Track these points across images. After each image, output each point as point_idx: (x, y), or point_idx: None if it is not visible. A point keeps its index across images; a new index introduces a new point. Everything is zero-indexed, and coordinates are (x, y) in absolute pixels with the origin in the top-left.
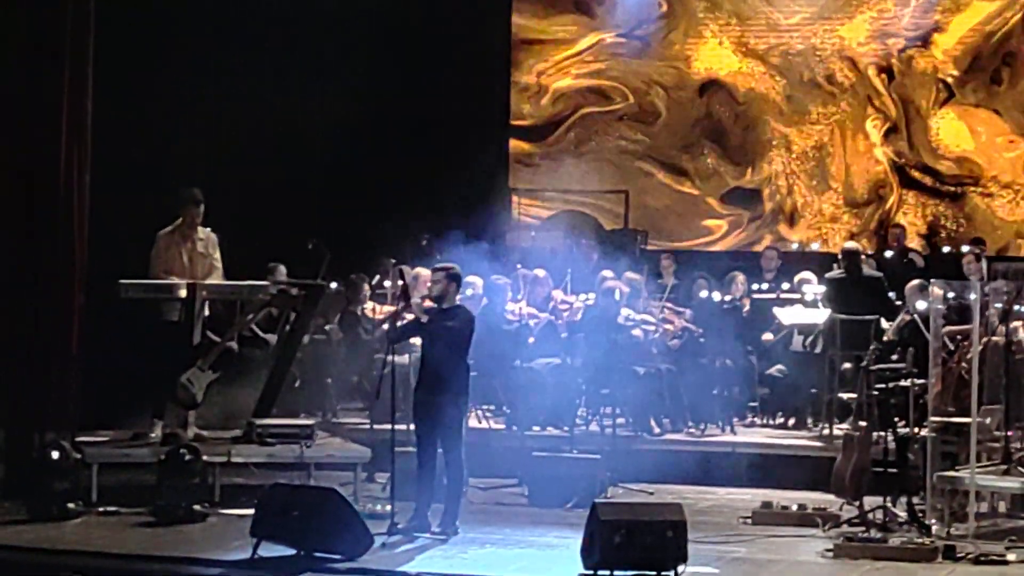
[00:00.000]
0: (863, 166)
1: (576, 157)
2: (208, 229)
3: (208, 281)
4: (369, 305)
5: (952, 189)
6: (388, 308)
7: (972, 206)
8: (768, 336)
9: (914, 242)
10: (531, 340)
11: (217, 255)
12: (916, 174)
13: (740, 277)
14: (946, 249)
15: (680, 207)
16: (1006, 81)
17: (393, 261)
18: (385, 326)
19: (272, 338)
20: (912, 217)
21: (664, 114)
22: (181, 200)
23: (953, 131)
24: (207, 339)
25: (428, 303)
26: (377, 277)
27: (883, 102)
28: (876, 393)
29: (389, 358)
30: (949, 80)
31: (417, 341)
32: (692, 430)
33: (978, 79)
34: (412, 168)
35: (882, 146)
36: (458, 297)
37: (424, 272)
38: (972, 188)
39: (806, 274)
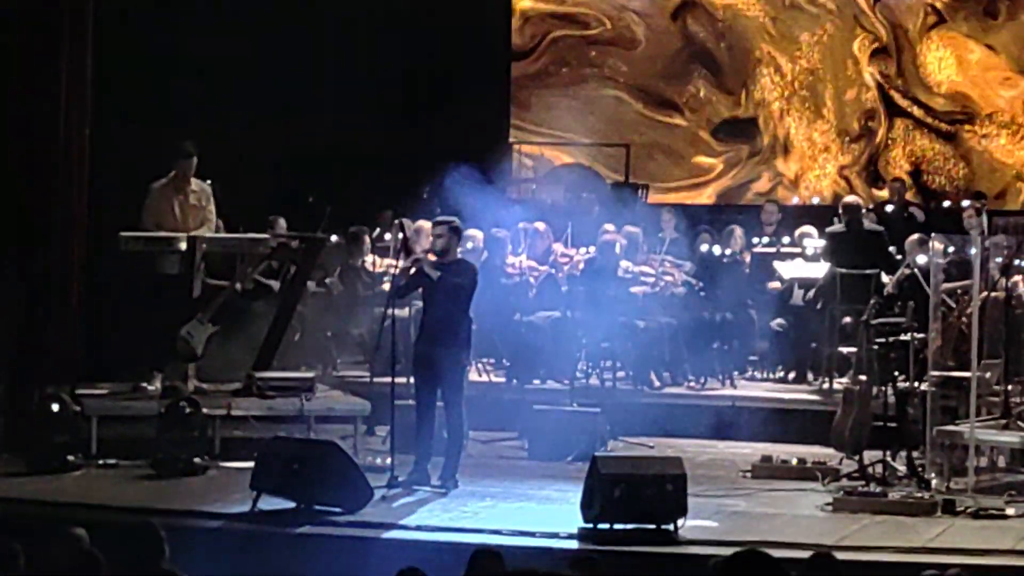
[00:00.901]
0: (854, 94)
1: (570, 99)
2: (205, 181)
3: (201, 233)
4: (370, 259)
5: (945, 127)
6: (389, 261)
7: (967, 148)
8: (775, 284)
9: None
10: (532, 293)
11: (211, 207)
12: (905, 103)
13: (738, 231)
14: (946, 204)
15: (669, 142)
16: (1003, 14)
17: (391, 214)
18: (388, 282)
19: (275, 284)
20: (901, 156)
21: (643, 43)
22: (174, 153)
23: (943, 60)
24: (207, 291)
25: (431, 257)
26: (378, 230)
27: (871, 23)
28: (876, 347)
29: (389, 311)
30: (939, 4)
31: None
32: (692, 384)
33: (970, 7)
34: (412, 120)
35: (869, 66)
36: (459, 250)
37: (426, 225)
38: (967, 127)
39: (807, 228)
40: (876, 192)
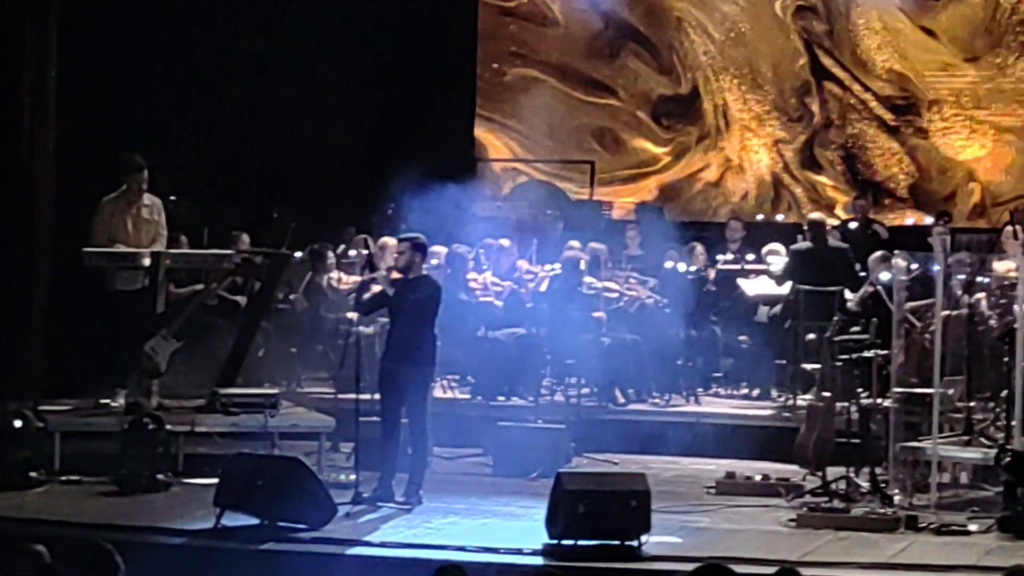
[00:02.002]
0: (787, 59)
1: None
2: (168, 197)
3: (157, 247)
4: (336, 275)
5: (889, 117)
6: (356, 278)
7: (912, 144)
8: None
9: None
10: (498, 306)
11: (163, 221)
12: (842, 74)
13: (699, 248)
14: (910, 221)
15: (607, 124)
16: None
17: (354, 229)
18: (351, 299)
19: (241, 300)
20: (838, 135)
21: (562, 21)
22: (123, 167)
23: (879, 35)
24: (171, 308)
25: (395, 274)
26: (342, 246)
27: None
28: (839, 364)
29: (354, 328)
30: None
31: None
32: (656, 400)
33: None
34: (377, 135)
35: (794, 24)
36: (424, 267)
37: (390, 242)
38: (910, 117)
39: (775, 245)
40: (811, 175)
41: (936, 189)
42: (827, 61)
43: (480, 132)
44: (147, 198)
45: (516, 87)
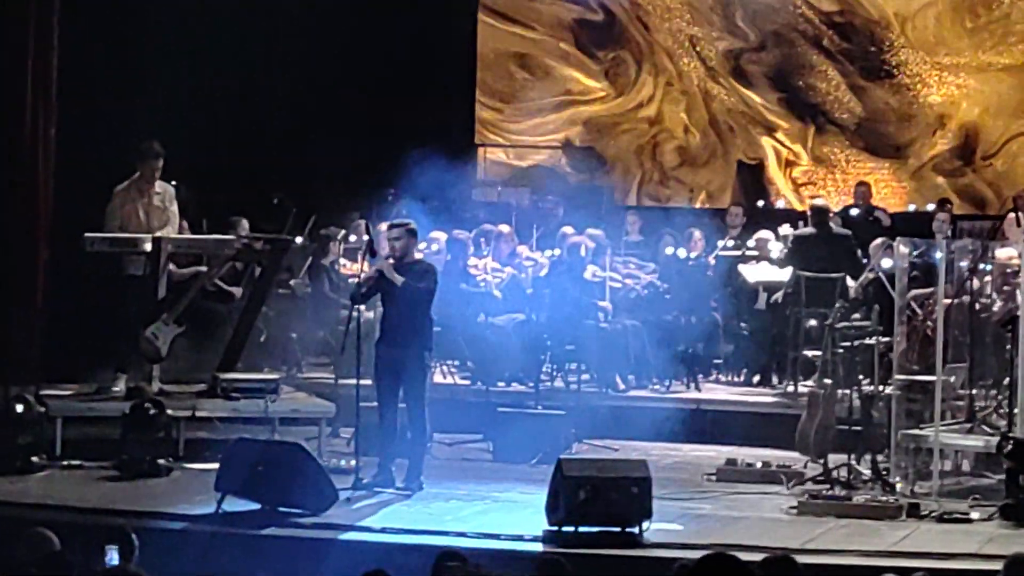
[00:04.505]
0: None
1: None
2: (169, 182)
3: (165, 233)
4: (341, 261)
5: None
6: (357, 266)
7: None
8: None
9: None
10: (496, 294)
11: (174, 208)
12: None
13: (697, 234)
14: (911, 207)
15: (528, 51)
16: None
17: (357, 214)
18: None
19: (237, 291)
20: (827, 84)
21: None
22: (139, 154)
23: None
24: (172, 292)
25: (390, 261)
26: (343, 232)
27: None
28: (841, 351)
29: (354, 313)
30: None
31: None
32: (657, 386)
33: None
34: (377, 121)
35: None
36: (417, 252)
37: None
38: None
39: (764, 233)
40: (741, 88)
41: (896, 135)
42: None
43: None
44: (158, 185)
45: None
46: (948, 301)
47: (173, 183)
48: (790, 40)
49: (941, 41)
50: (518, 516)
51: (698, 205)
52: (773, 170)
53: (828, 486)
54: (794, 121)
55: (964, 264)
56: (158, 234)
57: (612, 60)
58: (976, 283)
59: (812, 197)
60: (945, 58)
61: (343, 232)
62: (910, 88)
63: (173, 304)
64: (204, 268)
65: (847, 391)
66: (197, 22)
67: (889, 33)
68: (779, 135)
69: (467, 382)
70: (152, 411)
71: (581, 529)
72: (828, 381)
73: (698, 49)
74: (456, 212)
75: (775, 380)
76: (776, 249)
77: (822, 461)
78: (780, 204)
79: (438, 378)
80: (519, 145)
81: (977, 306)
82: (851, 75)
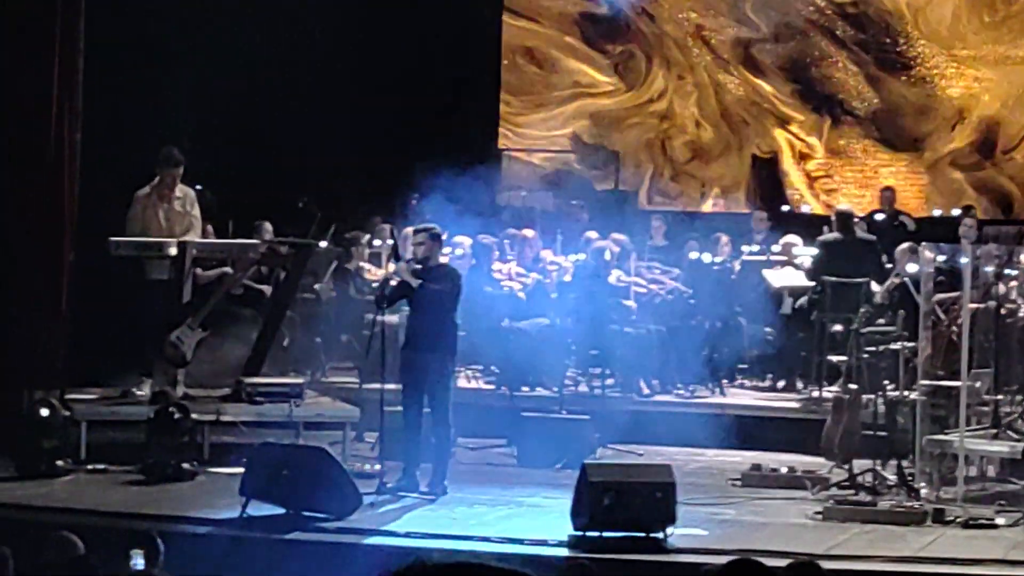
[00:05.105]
0: None
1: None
2: (194, 186)
3: (190, 238)
4: (367, 265)
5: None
6: (382, 271)
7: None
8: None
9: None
10: (522, 297)
11: (196, 211)
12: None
13: (724, 239)
14: (937, 212)
15: (532, 44)
16: None
17: (379, 219)
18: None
19: (267, 289)
20: (843, 74)
21: None
22: (160, 159)
23: None
24: (197, 296)
25: (414, 265)
26: (367, 236)
27: None
28: (866, 356)
29: (379, 317)
30: None
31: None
32: (681, 391)
33: None
34: (402, 126)
35: None
36: (442, 257)
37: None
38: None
39: (791, 237)
40: (753, 78)
41: (913, 128)
42: None
43: None
44: (179, 189)
45: None
46: (973, 306)
47: (197, 187)
48: (802, 30)
49: (957, 35)
50: (542, 521)
51: (711, 201)
52: (788, 164)
53: (853, 491)
54: (809, 113)
55: (989, 269)
56: (183, 238)
57: (621, 54)
58: (1002, 288)
59: (827, 191)
60: (962, 51)
61: (367, 237)
62: (928, 80)
63: (198, 308)
64: (229, 269)
65: (872, 396)
66: (221, 26)
67: (904, 25)
68: (793, 127)
69: (491, 387)
70: (177, 415)
71: (605, 534)
72: (853, 386)
73: (706, 37)
74: (481, 216)
75: (800, 385)
76: (803, 254)
77: (847, 466)
78: (805, 208)
79: (462, 383)
80: (541, 150)
81: (1003, 311)
82: (866, 65)
